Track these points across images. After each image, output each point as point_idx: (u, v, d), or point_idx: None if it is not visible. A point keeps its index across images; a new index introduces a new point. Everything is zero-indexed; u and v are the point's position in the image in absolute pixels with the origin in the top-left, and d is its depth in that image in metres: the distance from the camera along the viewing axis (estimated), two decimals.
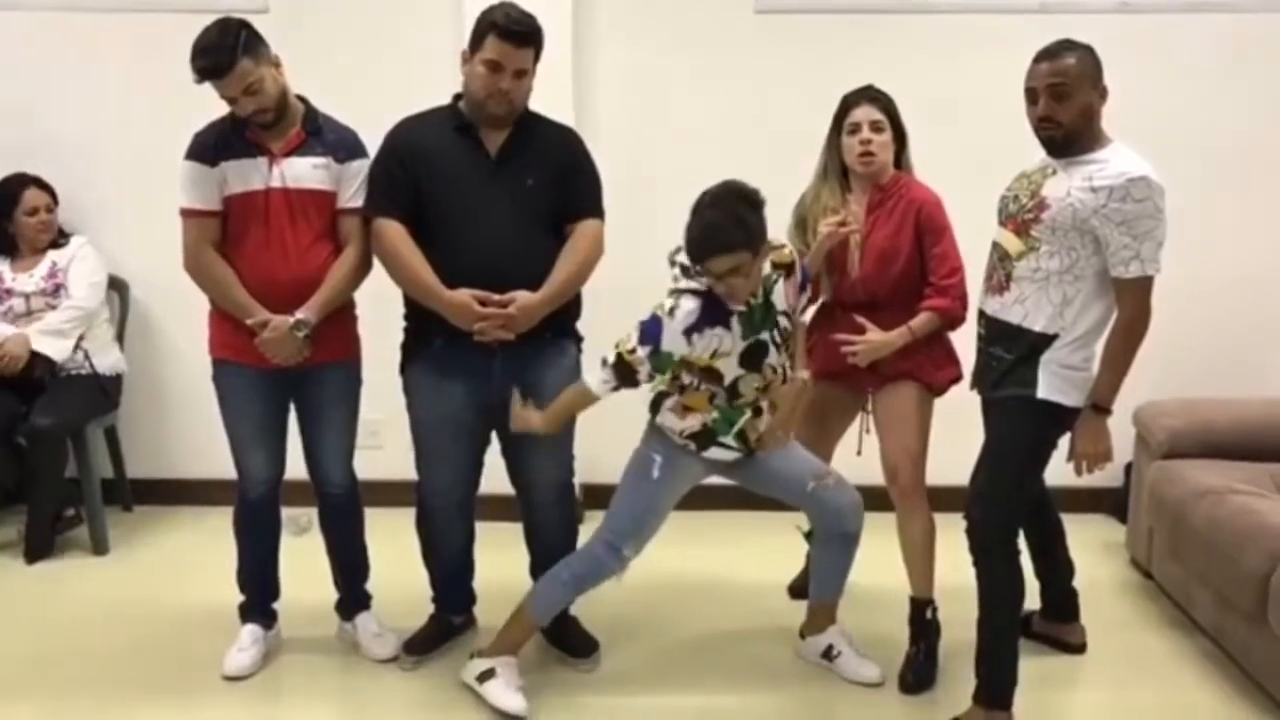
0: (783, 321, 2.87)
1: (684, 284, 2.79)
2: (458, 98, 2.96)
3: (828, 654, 3.17)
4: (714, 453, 2.95)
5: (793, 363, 2.95)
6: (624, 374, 2.76)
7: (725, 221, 2.65)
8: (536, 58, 2.87)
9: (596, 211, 3.02)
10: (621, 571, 2.97)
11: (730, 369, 2.82)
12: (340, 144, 3.02)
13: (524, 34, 2.80)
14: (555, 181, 2.94)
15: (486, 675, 2.98)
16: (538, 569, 3.19)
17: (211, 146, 2.95)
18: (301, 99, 3.04)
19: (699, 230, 2.69)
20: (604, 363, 2.78)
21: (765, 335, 2.83)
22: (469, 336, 2.85)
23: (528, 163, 2.92)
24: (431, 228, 2.90)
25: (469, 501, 3.18)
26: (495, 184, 2.90)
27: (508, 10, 2.83)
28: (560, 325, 3.01)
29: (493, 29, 2.79)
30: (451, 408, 2.98)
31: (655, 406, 2.96)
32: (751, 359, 2.83)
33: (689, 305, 2.74)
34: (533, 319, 2.87)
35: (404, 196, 2.90)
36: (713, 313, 2.75)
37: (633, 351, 2.74)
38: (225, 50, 2.81)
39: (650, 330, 2.74)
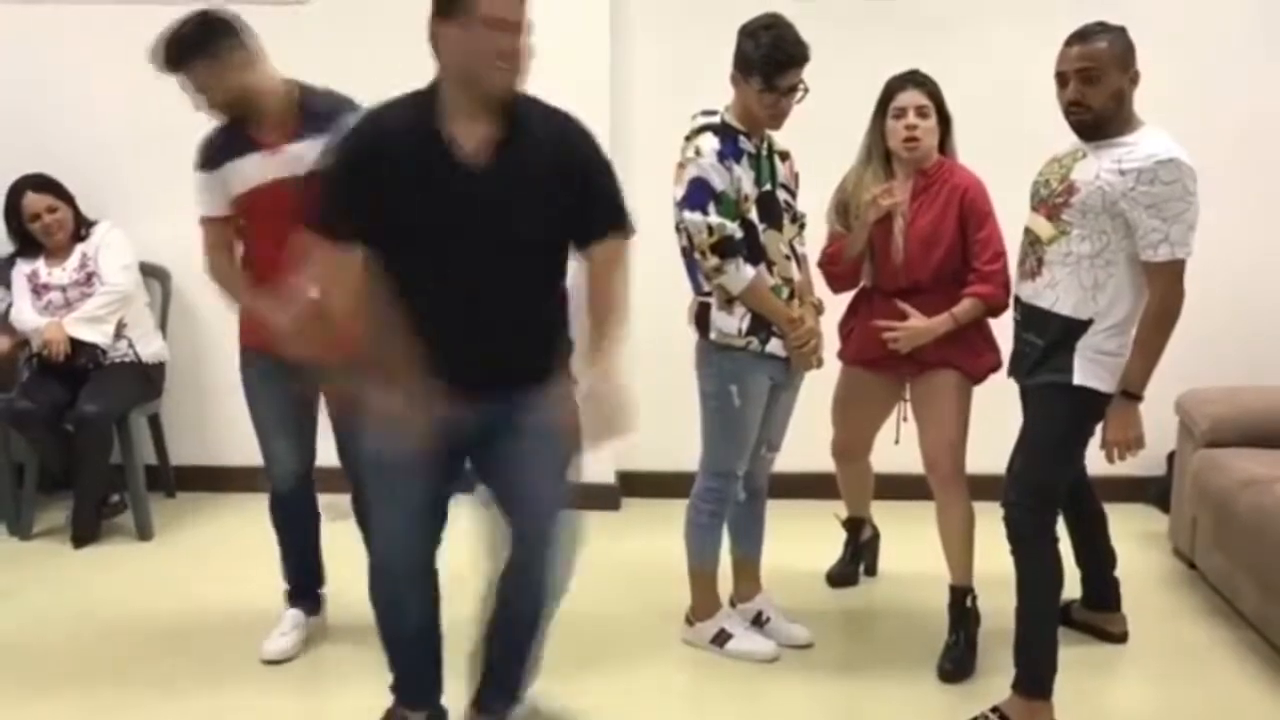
0: (783, 195, 3.01)
1: (699, 122, 2.90)
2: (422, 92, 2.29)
3: (758, 620, 3.23)
4: (774, 345, 2.96)
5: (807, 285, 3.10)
6: (728, 248, 2.83)
7: (795, 36, 2.81)
8: None
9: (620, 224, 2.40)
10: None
11: (755, 219, 2.90)
12: (335, 115, 2.78)
13: None
14: (556, 192, 2.30)
15: (722, 638, 3.12)
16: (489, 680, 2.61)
17: (215, 149, 2.96)
18: (295, 83, 2.99)
19: (771, 47, 2.80)
20: (715, 270, 2.84)
21: (775, 190, 2.97)
22: None
23: (522, 168, 2.27)
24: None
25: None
26: (476, 202, 2.23)
27: None
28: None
29: None
30: None
31: (703, 324, 2.96)
32: (769, 211, 2.93)
33: (710, 140, 2.87)
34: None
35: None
36: (729, 144, 2.88)
37: (710, 228, 2.81)
38: (173, 49, 2.84)
39: (697, 191, 2.83)
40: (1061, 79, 2.61)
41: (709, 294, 2.95)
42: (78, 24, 4.32)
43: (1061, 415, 2.68)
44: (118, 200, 4.32)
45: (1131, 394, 2.62)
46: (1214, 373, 3.79)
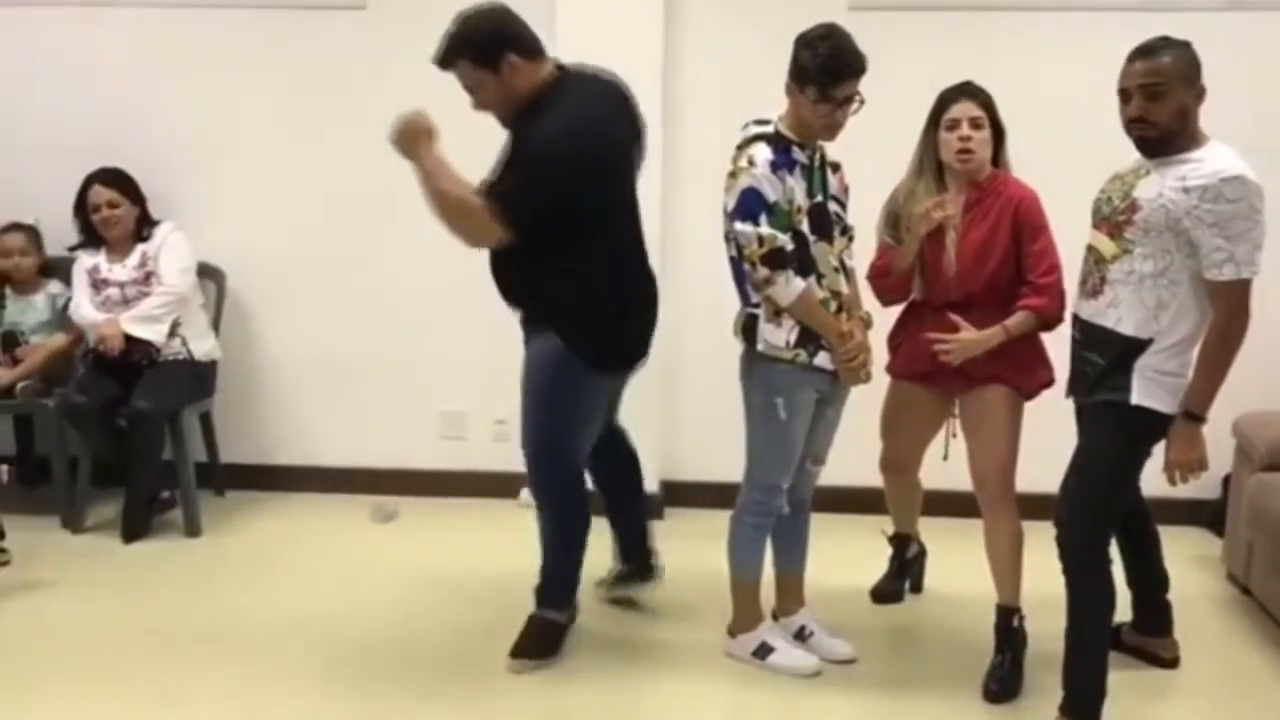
0: (834, 207, 2.99)
1: (751, 131, 2.89)
2: None
3: (800, 634, 3.20)
4: (822, 358, 2.94)
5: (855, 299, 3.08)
6: (778, 259, 2.82)
7: (852, 46, 2.79)
8: (475, 67, 2.85)
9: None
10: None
11: (806, 230, 2.89)
12: None
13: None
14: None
15: (763, 651, 3.11)
16: None
17: None
18: None
19: (829, 56, 2.78)
20: (765, 282, 2.83)
21: (826, 202, 2.96)
22: None
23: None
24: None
25: None
26: None
27: None
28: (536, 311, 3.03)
29: None
30: None
31: (750, 335, 2.95)
32: (819, 223, 2.92)
33: (763, 149, 2.86)
34: None
35: None
36: (781, 154, 2.87)
37: (760, 239, 2.80)
38: None
39: (749, 201, 2.82)
40: (1124, 95, 2.57)
41: (757, 305, 2.94)
42: (145, 29, 4.39)
43: (1119, 435, 2.63)
44: (178, 201, 4.37)
45: (1194, 415, 2.57)
46: (1273, 396, 3.72)
